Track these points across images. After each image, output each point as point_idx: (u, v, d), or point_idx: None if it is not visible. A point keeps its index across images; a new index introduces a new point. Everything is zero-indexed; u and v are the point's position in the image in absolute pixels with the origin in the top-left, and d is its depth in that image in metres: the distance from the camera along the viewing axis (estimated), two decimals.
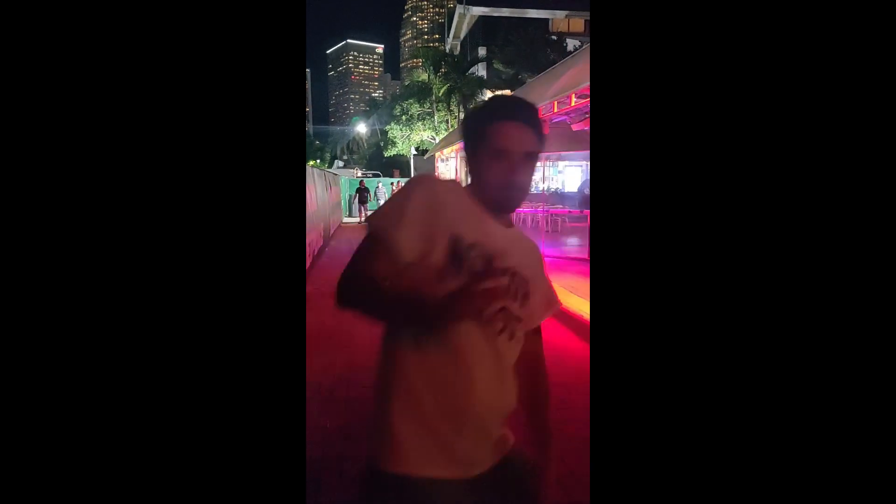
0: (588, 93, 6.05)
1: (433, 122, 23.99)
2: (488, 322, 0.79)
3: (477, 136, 0.92)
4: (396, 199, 0.90)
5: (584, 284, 5.10)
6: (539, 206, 11.31)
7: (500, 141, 0.89)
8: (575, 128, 9.26)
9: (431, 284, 0.84)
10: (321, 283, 6.66)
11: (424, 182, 0.93)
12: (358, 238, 0.94)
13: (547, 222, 10.75)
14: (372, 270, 0.85)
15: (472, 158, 0.94)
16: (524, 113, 0.92)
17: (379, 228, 0.88)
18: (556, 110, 6.77)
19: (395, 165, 29.70)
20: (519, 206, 0.95)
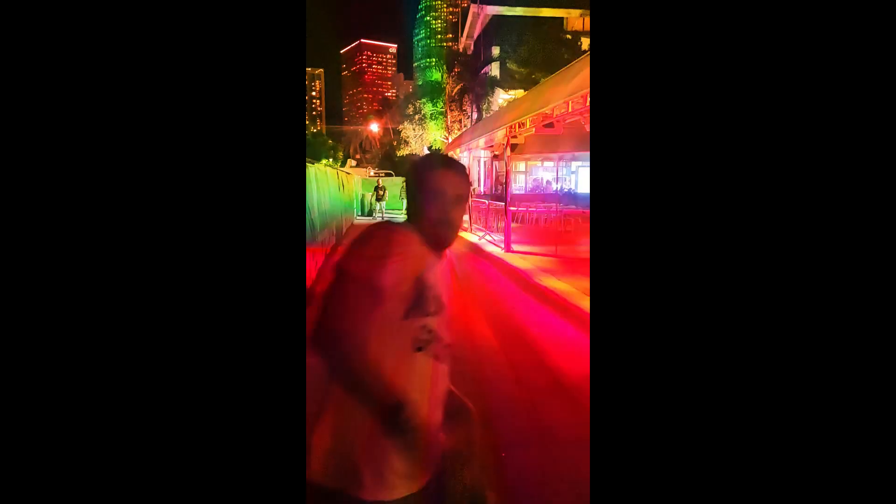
0: None
1: (446, 121, 24.01)
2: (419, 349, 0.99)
3: (418, 180, 1.10)
4: (371, 244, 0.99)
5: None
6: (552, 206, 11.29)
7: (436, 184, 1.07)
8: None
9: (392, 322, 0.97)
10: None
11: (391, 227, 1.05)
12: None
13: (560, 222, 10.72)
14: (357, 320, 0.92)
15: (413, 200, 1.10)
16: (455, 166, 1.11)
17: (363, 273, 0.94)
18: (569, 109, 6.74)
19: (407, 165, 29.72)
20: (451, 242, 1.12)
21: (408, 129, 25.48)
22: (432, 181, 1.08)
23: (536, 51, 22.04)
